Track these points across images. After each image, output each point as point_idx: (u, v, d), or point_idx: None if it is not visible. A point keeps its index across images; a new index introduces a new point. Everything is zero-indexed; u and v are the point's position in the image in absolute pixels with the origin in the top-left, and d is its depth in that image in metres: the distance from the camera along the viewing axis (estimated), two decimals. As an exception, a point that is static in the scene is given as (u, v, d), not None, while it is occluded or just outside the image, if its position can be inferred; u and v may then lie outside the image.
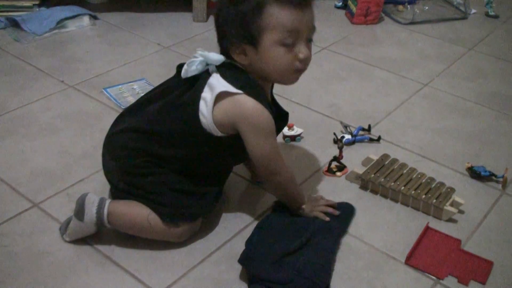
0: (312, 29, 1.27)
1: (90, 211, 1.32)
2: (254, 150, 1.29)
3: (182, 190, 1.34)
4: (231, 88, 1.24)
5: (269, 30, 1.21)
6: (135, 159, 1.33)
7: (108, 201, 1.34)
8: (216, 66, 1.29)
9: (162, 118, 1.33)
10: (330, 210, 1.44)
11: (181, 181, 1.34)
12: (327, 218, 1.41)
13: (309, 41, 1.27)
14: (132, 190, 1.35)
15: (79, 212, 1.32)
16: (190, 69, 1.30)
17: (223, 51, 1.30)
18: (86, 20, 2.50)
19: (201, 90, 1.28)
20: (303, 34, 1.24)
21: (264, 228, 1.38)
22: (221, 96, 1.25)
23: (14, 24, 2.41)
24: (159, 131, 1.32)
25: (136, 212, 1.33)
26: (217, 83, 1.26)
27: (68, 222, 1.36)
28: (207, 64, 1.30)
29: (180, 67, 1.35)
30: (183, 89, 1.32)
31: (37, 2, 2.53)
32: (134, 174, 1.34)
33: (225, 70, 1.28)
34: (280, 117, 1.45)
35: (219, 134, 1.28)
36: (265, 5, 1.20)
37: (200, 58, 1.29)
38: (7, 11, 2.49)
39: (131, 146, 1.34)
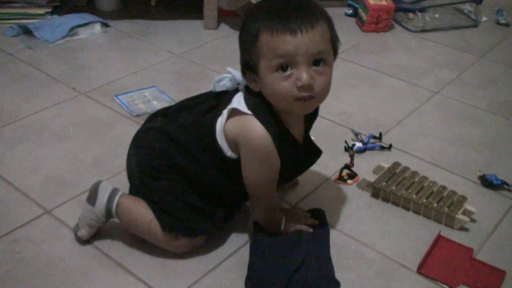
0: (315, 52, 1.17)
1: (102, 197, 1.34)
2: (246, 173, 1.28)
3: (190, 203, 1.33)
4: (243, 107, 1.24)
5: (263, 57, 1.18)
6: (155, 160, 1.34)
7: (120, 192, 1.36)
8: (245, 86, 1.29)
9: (190, 130, 1.32)
10: (310, 222, 1.42)
11: (191, 194, 1.33)
12: (311, 230, 1.40)
13: (316, 64, 1.18)
14: (143, 191, 1.36)
15: (92, 196, 1.35)
16: (218, 84, 1.31)
17: None
18: (97, 27, 2.51)
19: (225, 106, 1.28)
20: (300, 59, 1.16)
21: (260, 250, 1.35)
22: (233, 112, 1.25)
23: (27, 31, 2.43)
24: (185, 141, 1.32)
25: (141, 213, 1.34)
26: (236, 101, 1.26)
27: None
28: (238, 83, 1.31)
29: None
30: (211, 104, 1.33)
31: (49, 10, 2.54)
32: (149, 174, 1.34)
33: (248, 90, 1.28)
34: (310, 154, 1.43)
35: (229, 153, 1.28)
36: (259, 34, 1.18)
37: (230, 75, 1.30)
38: (20, 19, 2.51)
39: (154, 146, 1.34)
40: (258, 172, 1.27)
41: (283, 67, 1.17)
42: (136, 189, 1.39)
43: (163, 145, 1.33)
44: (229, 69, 1.30)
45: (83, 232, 1.37)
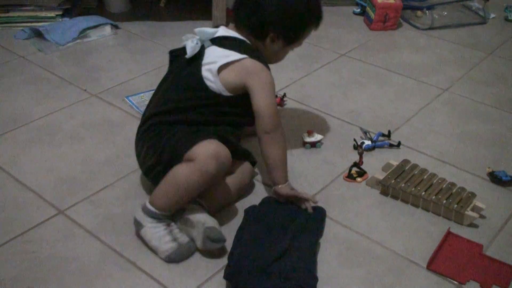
0: None
1: (140, 216, 1.40)
2: (261, 103, 1.45)
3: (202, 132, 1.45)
4: (234, 55, 1.45)
5: (303, 37, 1.57)
6: (152, 129, 1.48)
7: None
8: (211, 40, 1.49)
9: (171, 94, 1.50)
10: (306, 205, 1.48)
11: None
12: (304, 207, 1.48)
13: None
14: (159, 155, 1.45)
15: (136, 224, 1.41)
16: (190, 46, 1.46)
17: (245, 28, 1.51)
18: (107, 29, 2.53)
19: (201, 59, 1.47)
20: None
21: (244, 238, 1.37)
22: (227, 64, 1.44)
23: (38, 34, 2.46)
24: (171, 105, 1.48)
25: (169, 174, 1.38)
26: (220, 52, 1.46)
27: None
28: (202, 40, 1.49)
29: (172, 52, 1.59)
30: (183, 65, 1.51)
31: (60, 13, 2.57)
32: (151, 138, 1.47)
33: (223, 41, 1.49)
34: None
35: (228, 94, 1.46)
36: (311, 26, 1.56)
37: (197, 37, 1.48)
38: (31, 22, 2.53)
39: (149, 123, 1.49)
40: (270, 97, 1.47)
41: None
42: (155, 170, 1.46)
43: (154, 120, 1.48)
44: (197, 29, 1.49)
45: (161, 248, 1.37)
